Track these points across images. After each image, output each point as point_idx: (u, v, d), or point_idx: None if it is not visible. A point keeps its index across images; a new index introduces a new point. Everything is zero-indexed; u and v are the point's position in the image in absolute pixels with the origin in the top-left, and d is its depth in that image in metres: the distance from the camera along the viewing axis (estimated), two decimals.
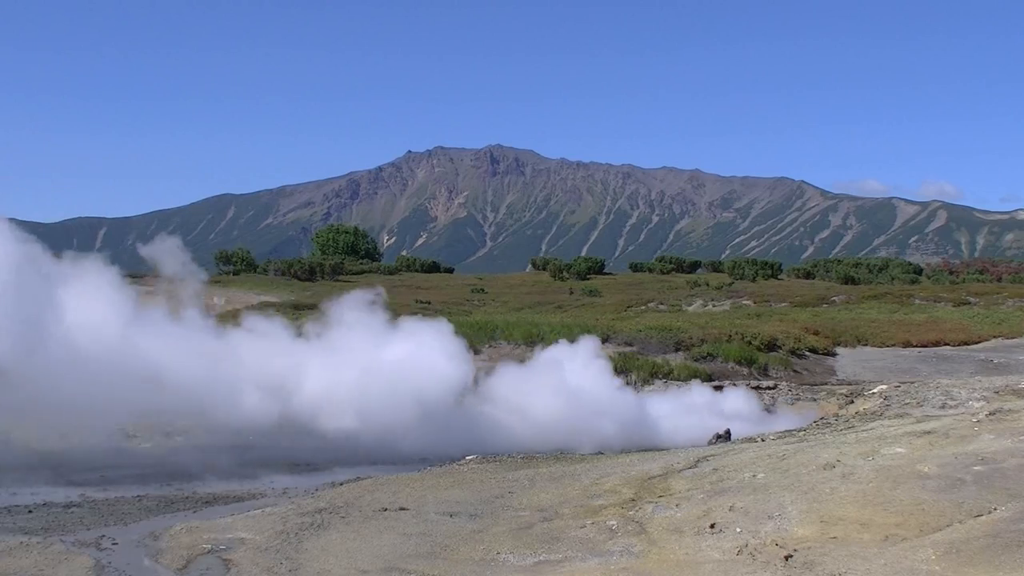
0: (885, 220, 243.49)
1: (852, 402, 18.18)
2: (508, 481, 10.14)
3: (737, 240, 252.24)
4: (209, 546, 7.56)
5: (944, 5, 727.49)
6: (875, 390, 18.89)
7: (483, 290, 45.21)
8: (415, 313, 21.38)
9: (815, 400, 19.24)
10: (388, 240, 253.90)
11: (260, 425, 13.07)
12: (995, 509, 6.91)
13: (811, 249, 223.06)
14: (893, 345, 27.96)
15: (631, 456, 11.91)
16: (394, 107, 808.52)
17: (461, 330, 17.06)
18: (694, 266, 62.06)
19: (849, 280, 51.68)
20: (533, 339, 21.53)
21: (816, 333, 28.12)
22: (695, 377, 19.53)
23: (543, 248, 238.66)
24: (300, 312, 25.95)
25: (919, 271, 61.91)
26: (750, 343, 23.77)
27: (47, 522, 8.52)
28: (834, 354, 26.77)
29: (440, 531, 7.89)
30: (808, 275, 58.09)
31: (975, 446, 8.99)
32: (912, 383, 19.94)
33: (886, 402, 16.69)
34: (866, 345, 28.09)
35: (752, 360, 22.18)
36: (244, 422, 12.99)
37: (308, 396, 13.43)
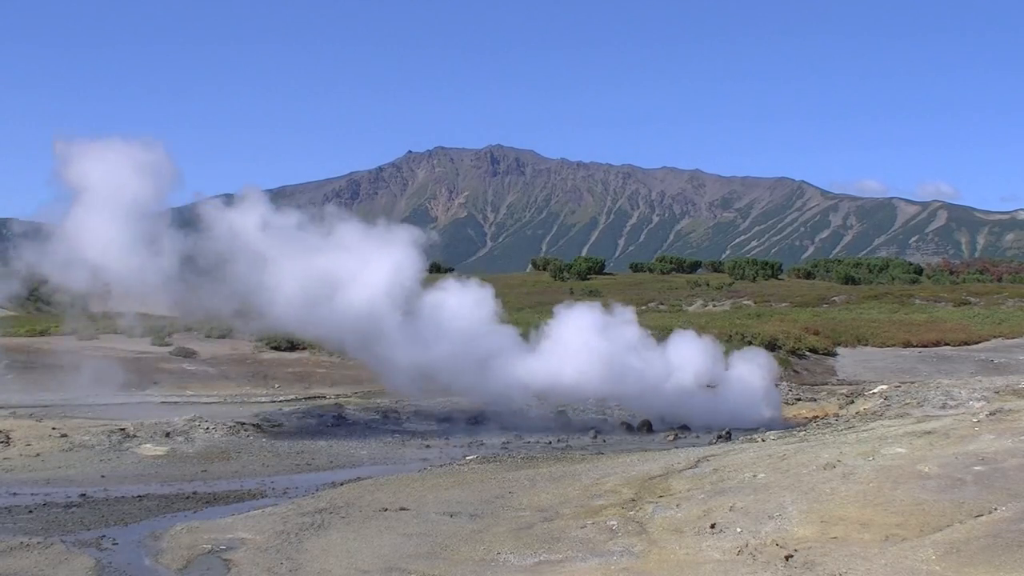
0: (885, 220, 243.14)
1: (852, 402, 18.16)
2: (508, 481, 10.14)
3: (737, 240, 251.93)
4: (209, 546, 7.56)
5: (944, 5, 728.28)
6: (875, 390, 18.88)
7: None
8: None
9: (815, 400, 19.24)
10: None
11: None
12: (995, 509, 6.90)
13: (811, 249, 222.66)
14: (893, 345, 27.97)
15: (631, 456, 11.92)
16: (394, 107, 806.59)
17: None
18: (694, 266, 62.01)
19: (849, 280, 51.66)
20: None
21: (816, 333, 28.12)
22: None
23: (543, 248, 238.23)
24: None
25: (919, 271, 61.84)
26: (750, 343, 23.76)
27: (47, 522, 8.52)
28: (834, 354, 26.79)
29: (440, 531, 7.89)
30: (808, 275, 58.08)
31: (975, 446, 8.98)
32: (912, 383, 19.95)
33: (886, 402, 16.69)
34: (866, 345, 28.10)
35: None
36: None
37: None
